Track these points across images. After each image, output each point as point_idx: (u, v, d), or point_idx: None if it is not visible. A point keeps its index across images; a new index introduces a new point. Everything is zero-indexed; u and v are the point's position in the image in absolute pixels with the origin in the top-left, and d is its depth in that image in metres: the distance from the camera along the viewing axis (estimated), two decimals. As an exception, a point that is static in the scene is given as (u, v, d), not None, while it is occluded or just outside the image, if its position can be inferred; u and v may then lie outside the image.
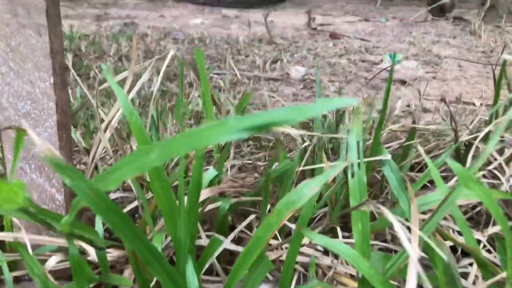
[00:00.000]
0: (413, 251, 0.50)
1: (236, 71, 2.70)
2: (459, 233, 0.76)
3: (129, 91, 0.67)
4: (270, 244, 0.67)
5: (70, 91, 1.89)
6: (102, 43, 3.25)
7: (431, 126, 0.94)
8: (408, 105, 2.14)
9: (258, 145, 1.16)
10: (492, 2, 4.93)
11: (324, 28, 4.66)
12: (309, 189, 0.49)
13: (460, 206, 0.81)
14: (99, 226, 0.61)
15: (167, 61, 0.66)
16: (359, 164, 0.60)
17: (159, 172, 0.51)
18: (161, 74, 0.67)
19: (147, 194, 0.72)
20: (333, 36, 4.12)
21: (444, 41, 4.16)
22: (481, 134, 0.80)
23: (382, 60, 3.31)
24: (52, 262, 0.55)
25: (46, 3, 0.59)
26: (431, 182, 0.88)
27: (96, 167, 0.72)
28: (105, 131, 0.66)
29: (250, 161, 0.88)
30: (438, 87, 2.74)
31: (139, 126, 0.49)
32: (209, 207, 0.66)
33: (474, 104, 2.38)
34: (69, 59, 2.42)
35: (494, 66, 0.92)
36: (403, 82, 2.81)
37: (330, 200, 0.76)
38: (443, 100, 0.87)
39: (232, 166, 0.84)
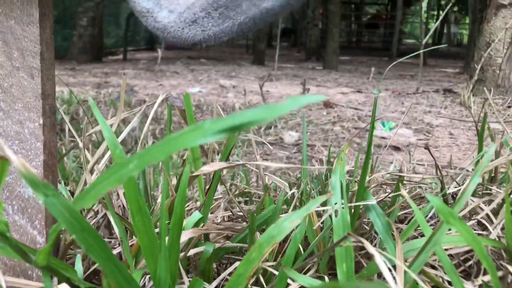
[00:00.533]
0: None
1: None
2: (450, 283, 0.74)
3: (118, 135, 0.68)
4: (254, 292, 0.65)
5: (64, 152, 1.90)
6: (99, 108, 3.32)
7: (418, 175, 0.95)
8: (400, 170, 2.16)
9: (248, 201, 1.16)
10: (479, 76, 5.13)
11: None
12: (290, 222, 0.48)
13: (451, 258, 0.80)
14: (78, 266, 0.59)
15: (156, 105, 0.67)
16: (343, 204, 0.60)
17: (140, 206, 0.51)
18: (150, 116, 0.68)
19: (131, 240, 0.71)
20: (327, 105, 4.23)
21: (435, 111, 4.27)
22: (467, 186, 0.80)
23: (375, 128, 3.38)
24: None
25: (41, 48, 0.62)
26: (422, 235, 0.87)
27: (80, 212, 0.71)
28: (91, 173, 0.66)
29: (239, 212, 0.87)
30: (429, 154, 2.77)
31: (123, 158, 0.50)
32: (193, 251, 0.65)
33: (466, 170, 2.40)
34: (67, 121, 2.45)
35: (476, 123, 0.95)
36: (396, 148, 2.85)
37: (317, 249, 0.74)
38: (426, 148, 0.88)
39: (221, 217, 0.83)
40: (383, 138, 3.03)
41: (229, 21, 1.38)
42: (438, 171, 0.85)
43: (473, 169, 1.34)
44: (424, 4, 19.80)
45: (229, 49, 15.86)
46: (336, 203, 0.58)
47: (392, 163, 2.45)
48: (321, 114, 3.87)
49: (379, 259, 0.44)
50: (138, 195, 0.50)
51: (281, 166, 0.49)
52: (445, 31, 24.99)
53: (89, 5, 8.01)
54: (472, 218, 0.81)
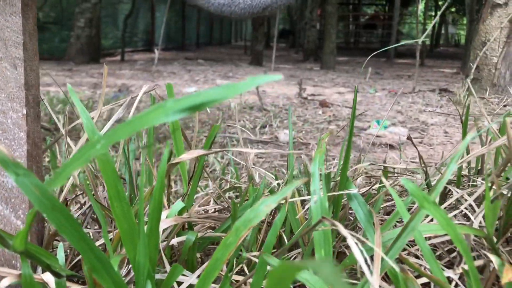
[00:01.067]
0: (374, 279, 0.49)
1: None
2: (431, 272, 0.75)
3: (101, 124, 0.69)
4: (236, 281, 0.66)
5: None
6: (94, 108, 3.33)
7: (401, 166, 0.96)
8: (393, 168, 2.17)
9: (239, 196, 1.16)
10: (475, 75, 5.14)
11: (315, 97, 4.81)
12: (266, 206, 0.49)
13: (435, 249, 0.80)
14: (60, 254, 0.59)
15: (140, 96, 0.68)
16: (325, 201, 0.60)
17: (118, 192, 0.51)
18: (133, 108, 0.69)
19: (116, 230, 0.71)
20: (323, 104, 4.24)
21: (430, 110, 4.28)
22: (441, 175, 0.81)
23: (369, 126, 3.39)
24: (4, 284, 0.53)
25: (23, 38, 0.63)
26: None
27: (66, 204, 0.71)
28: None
29: (227, 205, 0.88)
30: (424, 151, 2.78)
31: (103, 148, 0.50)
32: (175, 240, 0.65)
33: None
34: (60, 121, 2.46)
35: (461, 115, 0.96)
36: (390, 146, 2.85)
37: (303, 241, 0.75)
38: (408, 138, 0.89)
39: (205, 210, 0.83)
40: (378, 136, 3.04)
41: None
42: (422, 162, 0.85)
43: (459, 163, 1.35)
44: (421, 6, 19.84)
45: (227, 50, 15.87)
46: (314, 190, 0.59)
47: (385, 160, 2.46)
48: (317, 113, 3.88)
49: (351, 241, 0.44)
50: (116, 181, 0.51)
51: (259, 151, 0.49)
52: (442, 31, 25.03)
53: (86, 6, 8.01)
54: (457, 208, 0.81)
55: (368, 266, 0.52)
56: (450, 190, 0.90)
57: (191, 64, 8.89)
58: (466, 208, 0.80)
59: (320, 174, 0.68)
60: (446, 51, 20.95)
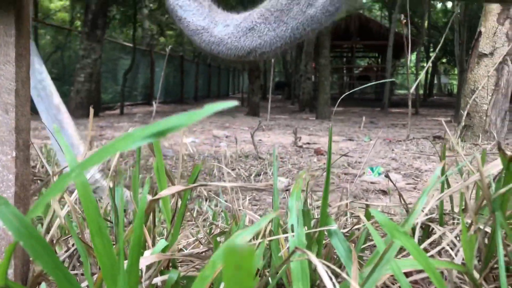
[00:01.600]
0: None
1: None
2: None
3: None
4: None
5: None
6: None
7: (382, 203, 0.97)
8: (388, 213, 2.17)
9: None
10: (467, 122, 5.23)
11: (310, 146, 4.86)
12: (242, 237, 0.51)
13: (416, 284, 0.81)
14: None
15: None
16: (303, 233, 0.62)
17: (100, 227, 0.53)
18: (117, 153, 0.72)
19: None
20: (318, 152, 4.28)
21: (424, 156, 4.32)
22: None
23: (363, 173, 3.41)
24: None
25: (16, 85, 0.66)
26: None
27: (52, 244, 0.73)
28: (59, 203, 0.68)
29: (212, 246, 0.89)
30: (418, 197, 2.79)
31: (83, 181, 0.52)
32: (158, 279, 0.66)
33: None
34: (39, 153, 2.48)
35: (439, 153, 0.98)
36: (384, 192, 2.86)
37: (286, 277, 0.76)
38: (386, 176, 0.91)
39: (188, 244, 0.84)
40: (372, 183, 3.06)
41: (283, 26, 1.40)
42: (402, 200, 0.87)
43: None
44: (413, 57, 20.42)
45: (224, 103, 16.11)
46: (292, 224, 0.60)
47: (379, 206, 2.46)
48: (311, 161, 3.91)
49: (321, 269, 0.46)
50: (98, 217, 0.53)
51: (238, 185, 0.51)
52: (435, 81, 25.59)
53: (87, 61, 8.24)
54: (438, 245, 0.82)
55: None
56: (433, 228, 0.91)
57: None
58: (448, 244, 0.81)
59: (303, 211, 0.70)
60: (439, 100, 21.36)
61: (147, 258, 0.60)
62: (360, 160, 4.04)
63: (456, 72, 21.43)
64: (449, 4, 22.19)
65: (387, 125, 8.11)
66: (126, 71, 12.01)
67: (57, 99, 2.33)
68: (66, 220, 0.64)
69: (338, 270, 0.53)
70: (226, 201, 2.40)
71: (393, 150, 4.71)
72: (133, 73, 13.26)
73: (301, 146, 4.73)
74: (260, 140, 5.22)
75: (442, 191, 0.94)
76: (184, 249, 0.89)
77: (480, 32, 5.42)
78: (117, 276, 0.53)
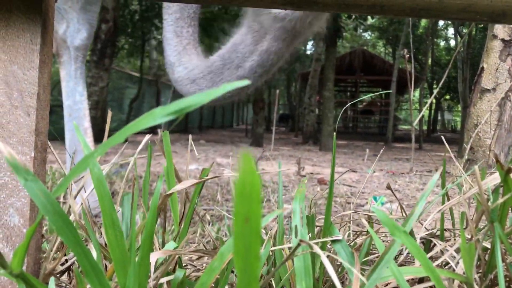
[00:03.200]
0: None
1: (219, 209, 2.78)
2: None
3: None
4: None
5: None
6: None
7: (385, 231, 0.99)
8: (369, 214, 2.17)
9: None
10: (470, 156, 5.24)
11: (313, 176, 4.88)
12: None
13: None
14: (51, 287, 0.62)
15: (141, 145, 0.74)
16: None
17: (113, 220, 0.56)
18: (135, 155, 0.75)
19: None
20: (321, 181, 4.29)
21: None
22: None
23: (367, 203, 3.42)
24: None
25: (38, 89, 0.70)
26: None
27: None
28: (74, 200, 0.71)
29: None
30: (421, 227, 2.79)
31: (99, 175, 0.55)
32: (165, 279, 0.68)
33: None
34: (54, 154, 2.51)
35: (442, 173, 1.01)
36: (387, 222, 2.86)
37: (289, 285, 0.77)
38: (388, 187, 0.94)
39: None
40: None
41: (215, 85, 1.58)
42: (403, 212, 0.89)
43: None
44: (417, 93, 20.62)
45: (229, 133, 16.26)
46: (296, 225, 0.63)
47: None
48: (315, 190, 3.93)
49: (324, 258, 0.48)
50: (112, 210, 0.56)
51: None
52: (439, 117, 25.73)
53: (94, 89, 8.38)
54: (438, 258, 0.84)
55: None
56: (435, 244, 0.92)
57: (194, 144, 9.07)
58: (448, 257, 0.82)
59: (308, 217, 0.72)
60: (444, 137, 21.38)
61: (156, 253, 0.62)
62: (363, 190, 4.05)
63: (459, 108, 21.58)
64: (452, 42, 22.57)
65: (391, 159, 8.13)
66: (132, 100, 12.18)
67: (87, 123, 2.39)
68: (81, 216, 0.67)
69: (339, 258, 0.55)
70: (229, 225, 2.41)
71: (396, 182, 4.72)
72: (139, 102, 13.44)
73: (304, 176, 4.76)
74: (263, 169, 5.25)
75: (442, 205, 0.96)
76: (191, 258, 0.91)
77: (482, 68, 5.50)
78: (128, 267, 0.56)
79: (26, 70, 0.70)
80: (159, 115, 0.35)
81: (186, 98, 0.35)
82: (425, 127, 19.35)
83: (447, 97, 24.91)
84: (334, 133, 0.77)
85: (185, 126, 16.43)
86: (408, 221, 0.60)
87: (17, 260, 0.48)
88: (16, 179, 0.70)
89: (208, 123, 19.91)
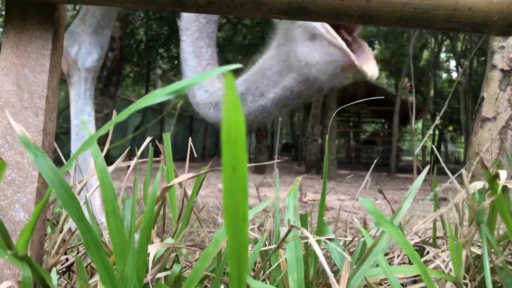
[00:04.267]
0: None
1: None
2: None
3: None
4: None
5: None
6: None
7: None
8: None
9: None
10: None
11: (315, 202, 4.88)
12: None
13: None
14: (54, 276, 0.64)
15: (143, 146, 0.78)
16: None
17: (114, 209, 0.59)
18: (137, 156, 0.78)
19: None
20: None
21: (429, 215, 4.31)
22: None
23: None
24: (4, 286, 0.58)
25: (47, 92, 0.75)
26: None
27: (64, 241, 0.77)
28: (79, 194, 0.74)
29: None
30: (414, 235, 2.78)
31: (102, 166, 0.59)
32: (162, 274, 0.70)
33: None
34: (59, 151, 2.53)
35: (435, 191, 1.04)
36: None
37: (283, 283, 0.79)
38: (380, 191, 0.96)
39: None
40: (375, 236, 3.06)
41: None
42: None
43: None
44: (419, 125, 20.71)
45: (231, 162, 16.25)
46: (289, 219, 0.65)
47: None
48: (317, 216, 3.93)
49: (314, 242, 0.51)
50: (113, 199, 0.59)
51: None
52: (442, 149, 25.72)
53: (99, 115, 8.48)
54: (431, 262, 0.86)
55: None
56: (428, 251, 0.94)
57: (195, 171, 9.09)
58: (440, 263, 0.84)
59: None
60: (447, 168, 21.32)
61: (155, 245, 0.64)
62: (366, 217, 4.04)
63: (462, 140, 21.62)
64: (455, 75, 22.80)
65: (394, 188, 8.11)
66: (135, 127, 12.29)
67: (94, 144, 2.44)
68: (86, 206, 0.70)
69: (323, 238, 0.58)
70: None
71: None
72: (142, 129, 13.55)
73: (306, 202, 4.76)
74: (265, 195, 5.25)
75: (435, 218, 0.99)
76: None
77: (482, 98, 5.55)
78: (127, 254, 0.58)
79: (37, 74, 0.74)
80: (159, 95, 0.39)
81: (180, 81, 0.39)
82: (428, 158, 19.34)
83: (450, 128, 24.98)
84: (326, 142, 0.80)
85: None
86: (396, 215, 0.62)
87: (22, 241, 0.51)
88: (23, 176, 0.73)
89: (211, 152, 19.98)
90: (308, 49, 1.30)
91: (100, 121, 8.58)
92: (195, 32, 1.55)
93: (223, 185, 0.34)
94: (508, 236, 0.76)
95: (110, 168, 0.82)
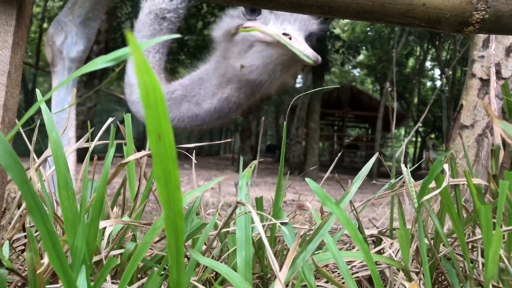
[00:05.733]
0: (280, 275, 0.56)
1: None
2: None
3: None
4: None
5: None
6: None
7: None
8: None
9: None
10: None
11: (294, 203, 4.91)
12: (191, 195, 0.57)
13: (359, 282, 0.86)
14: (5, 250, 0.65)
15: (104, 127, 0.79)
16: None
17: (67, 182, 0.60)
18: (97, 137, 0.79)
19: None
20: (300, 206, 4.33)
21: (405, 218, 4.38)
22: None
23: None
24: None
25: (9, 68, 0.75)
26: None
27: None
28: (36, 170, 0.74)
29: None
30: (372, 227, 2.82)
31: (56, 139, 0.60)
32: (114, 252, 0.71)
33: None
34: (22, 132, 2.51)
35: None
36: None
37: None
38: (337, 181, 0.98)
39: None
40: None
41: (172, 114, 1.63)
42: (354, 210, 0.94)
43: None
44: (402, 131, 20.93)
45: (215, 161, 16.27)
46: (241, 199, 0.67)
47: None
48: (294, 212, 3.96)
49: (255, 218, 0.52)
50: (66, 171, 0.59)
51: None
52: (424, 156, 25.99)
53: (81, 109, 8.41)
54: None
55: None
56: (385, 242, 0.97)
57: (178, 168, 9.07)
58: (392, 252, 0.87)
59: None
60: (427, 174, 21.58)
61: (107, 221, 0.65)
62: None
63: (444, 147, 21.91)
64: (438, 83, 23.10)
65: (373, 192, 8.21)
66: (119, 122, 12.19)
67: (72, 133, 2.42)
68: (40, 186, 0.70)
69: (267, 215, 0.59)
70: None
71: (374, 211, 4.77)
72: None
73: (285, 202, 4.79)
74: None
75: (391, 207, 1.02)
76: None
77: (461, 105, 5.66)
78: (78, 227, 0.59)
79: None
80: (100, 61, 0.40)
81: (121, 49, 0.40)
82: (410, 165, 19.54)
83: (432, 136, 25.31)
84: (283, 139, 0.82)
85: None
86: (343, 198, 0.64)
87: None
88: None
89: (195, 150, 19.88)
90: (248, 59, 1.36)
91: (82, 114, 8.50)
92: (147, 37, 1.57)
93: (152, 153, 0.35)
94: (454, 228, 0.78)
95: (72, 148, 0.83)
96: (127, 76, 1.64)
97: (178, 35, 0.47)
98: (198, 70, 1.55)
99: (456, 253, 0.94)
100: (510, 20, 0.70)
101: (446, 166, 0.70)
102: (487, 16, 0.69)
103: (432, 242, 0.89)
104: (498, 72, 3.65)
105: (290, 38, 1.26)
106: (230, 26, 1.40)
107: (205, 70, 1.52)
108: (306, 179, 0.62)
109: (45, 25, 14.33)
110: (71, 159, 2.44)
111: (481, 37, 3.25)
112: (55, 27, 2.36)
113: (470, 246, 0.95)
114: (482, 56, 4.38)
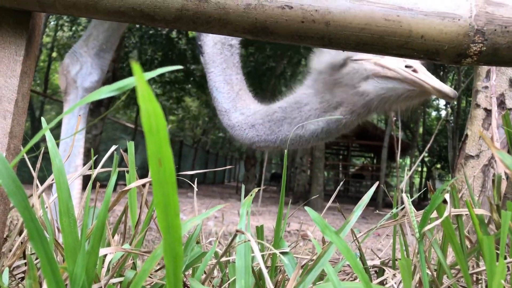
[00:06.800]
0: None
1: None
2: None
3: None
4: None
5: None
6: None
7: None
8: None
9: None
10: (454, 221, 5.28)
11: (298, 232, 4.88)
12: (192, 222, 0.58)
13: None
14: (5, 277, 0.65)
15: (107, 155, 0.80)
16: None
17: (68, 208, 0.60)
18: (99, 165, 0.80)
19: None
20: (304, 236, 4.29)
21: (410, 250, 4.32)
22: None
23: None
24: None
25: (17, 96, 0.77)
26: None
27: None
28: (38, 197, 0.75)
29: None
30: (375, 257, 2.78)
31: (60, 166, 0.60)
32: (116, 280, 0.71)
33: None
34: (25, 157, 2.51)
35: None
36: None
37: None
38: (339, 210, 0.98)
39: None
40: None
41: (274, 135, 1.66)
42: (356, 241, 0.93)
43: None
44: (407, 161, 20.87)
45: (219, 189, 16.22)
46: (240, 227, 0.67)
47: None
48: (298, 244, 3.92)
49: (253, 242, 0.52)
50: (68, 199, 0.60)
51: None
52: (430, 186, 25.76)
53: (87, 136, 8.47)
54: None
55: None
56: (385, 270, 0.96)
57: (181, 197, 9.06)
58: (395, 283, 0.86)
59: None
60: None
61: (107, 249, 0.66)
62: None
63: (449, 178, 21.77)
64: (443, 113, 23.16)
65: (375, 216, 8.12)
66: (124, 150, 12.24)
67: (79, 160, 2.46)
68: (42, 212, 0.71)
69: (266, 244, 0.59)
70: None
71: (380, 242, 4.72)
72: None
73: (289, 232, 4.75)
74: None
75: (394, 237, 1.01)
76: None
77: (466, 135, 5.66)
78: (78, 253, 0.59)
79: (8, 78, 0.77)
80: (106, 90, 0.41)
81: (117, 83, 0.42)
82: (415, 195, 19.40)
83: (438, 166, 25.21)
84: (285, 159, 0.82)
85: (176, 180, 16.35)
86: (343, 227, 0.64)
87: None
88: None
89: (199, 179, 19.92)
90: (363, 89, 1.36)
91: (88, 142, 8.56)
92: (222, 63, 1.65)
93: (152, 178, 0.36)
94: (457, 260, 0.78)
95: (75, 176, 0.84)
96: (219, 105, 1.68)
97: (180, 67, 0.49)
98: (295, 94, 1.60)
99: (460, 285, 0.93)
100: (507, 52, 0.72)
101: (447, 196, 0.70)
102: (485, 48, 0.71)
103: (435, 273, 0.88)
104: (502, 103, 3.67)
105: (413, 70, 1.26)
106: (336, 59, 1.42)
107: (304, 94, 1.56)
108: (306, 208, 0.62)
109: (54, 54, 14.61)
110: (76, 186, 2.45)
111: (485, 68, 3.28)
112: (71, 57, 2.43)
113: (474, 278, 0.94)
114: (486, 87, 4.40)
